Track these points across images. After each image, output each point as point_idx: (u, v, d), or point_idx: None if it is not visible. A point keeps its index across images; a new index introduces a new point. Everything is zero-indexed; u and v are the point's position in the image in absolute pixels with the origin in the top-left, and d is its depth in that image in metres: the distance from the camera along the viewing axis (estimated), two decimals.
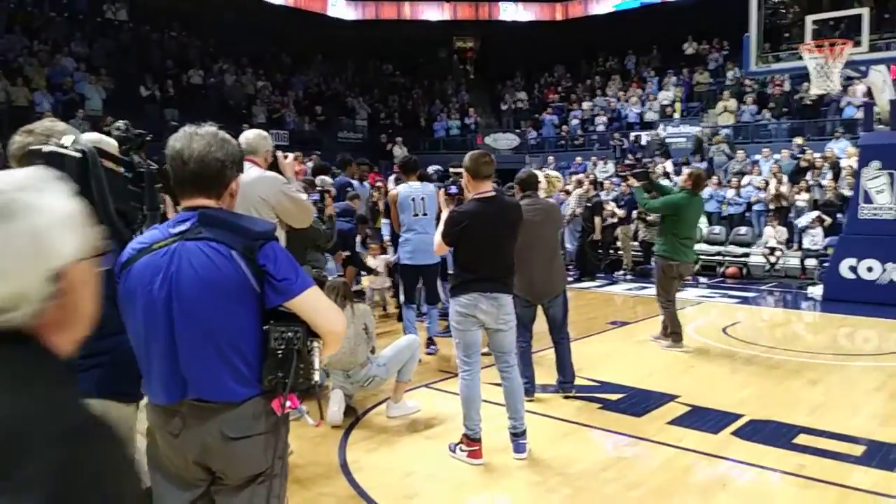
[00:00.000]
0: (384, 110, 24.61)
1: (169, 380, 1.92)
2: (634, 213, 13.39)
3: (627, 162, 9.34)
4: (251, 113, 19.38)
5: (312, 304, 1.94)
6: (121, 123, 2.33)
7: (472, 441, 4.17)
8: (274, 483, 1.93)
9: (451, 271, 6.28)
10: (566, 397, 5.37)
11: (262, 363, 1.90)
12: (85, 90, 16.08)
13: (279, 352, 1.87)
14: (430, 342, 6.86)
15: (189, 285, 1.89)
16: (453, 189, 4.49)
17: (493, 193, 4.21)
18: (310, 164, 15.13)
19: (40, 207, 0.94)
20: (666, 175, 16.38)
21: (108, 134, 2.69)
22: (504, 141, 22.62)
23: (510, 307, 4.23)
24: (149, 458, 2.04)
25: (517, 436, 4.27)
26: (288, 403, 1.90)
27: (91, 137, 2.97)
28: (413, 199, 6.41)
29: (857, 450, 4.33)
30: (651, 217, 13.59)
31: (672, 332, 7.07)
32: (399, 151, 20.68)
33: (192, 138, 1.99)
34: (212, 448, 1.90)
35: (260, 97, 20.73)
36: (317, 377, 1.94)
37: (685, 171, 7.45)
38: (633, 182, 7.33)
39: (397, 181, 7.72)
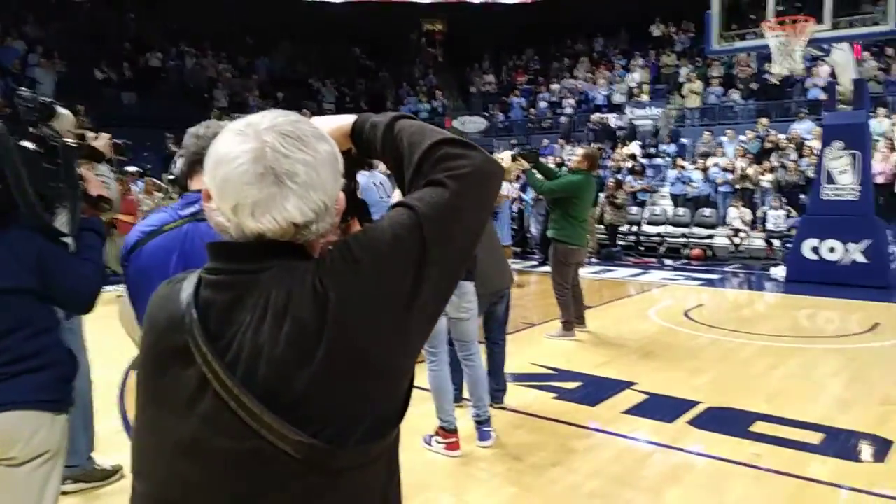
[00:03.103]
0: (350, 94, 24.19)
1: None
2: (602, 196, 13.29)
3: (513, 142, 9.01)
4: (213, 97, 18.91)
5: None
6: (25, 92, 2.06)
7: (448, 433, 4.04)
8: None
9: None
10: (499, 407, 4.74)
11: None
12: (36, 74, 15.49)
13: None
14: None
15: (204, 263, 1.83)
16: None
17: None
18: None
19: (328, 136, 1.06)
20: (633, 157, 16.32)
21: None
22: (472, 124, 22.31)
23: (472, 295, 4.07)
24: None
25: (482, 423, 4.15)
26: None
27: None
28: (374, 184, 6.30)
29: (816, 438, 4.21)
30: (620, 199, 13.55)
31: (565, 320, 6.75)
32: None
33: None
34: None
35: (222, 80, 20.22)
36: None
37: (579, 150, 7.18)
38: (524, 164, 6.77)
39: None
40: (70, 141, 2.20)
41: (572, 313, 6.74)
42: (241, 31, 23.51)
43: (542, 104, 21.64)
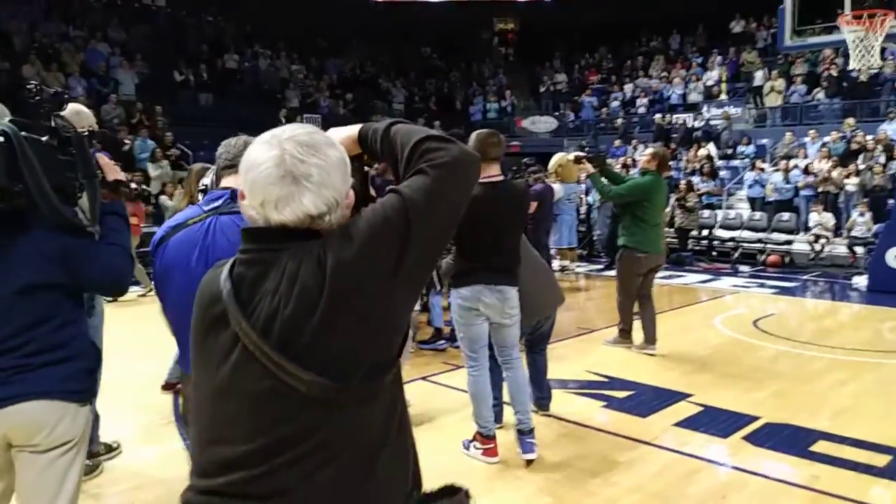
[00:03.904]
0: (420, 94, 24.31)
1: None
2: (673, 198, 12.86)
3: (582, 143, 8.61)
4: (285, 97, 19.32)
5: None
6: (31, 85, 2.10)
7: (486, 439, 3.95)
8: None
9: None
10: (545, 414, 4.62)
11: None
12: (118, 75, 16.19)
13: None
14: (436, 335, 6.39)
15: (224, 256, 2.11)
16: None
17: (501, 178, 3.89)
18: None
19: (338, 143, 1.28)
20: (709, 159, 15.74)
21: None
22: (542, 124, 22.09)
23: (515, 300, 3.93)
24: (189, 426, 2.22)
25: (524, 434, 3.97)
26: None
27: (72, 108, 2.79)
28: None
29: (882, 460, 3.90)
30: (690, 202, 13.08)
31: (622, 328, 6.41)
32: None
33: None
34: None
35: (294, 81, 20.64)
36: None
37: (648, 150, 6.63)
38: (589, 168, 6.41)
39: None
40: (83, 130, 2.20)
41: (631, 321, 6.42)
42: (313, 32, 23.96)
43: (615, 104, 21.17)
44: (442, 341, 6.34)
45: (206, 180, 2.40)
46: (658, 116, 18.53)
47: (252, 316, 1.19)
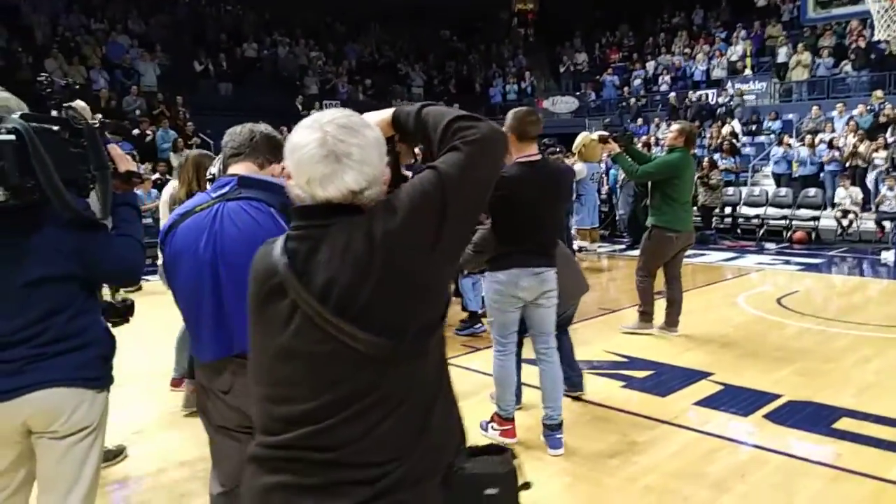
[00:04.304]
0: (439, 77, 24.18)
1: (217, 336, 2.08)
2: (696, 176, 12.70)
3: (605, 121, 8.42)
4: (304, 84, 19.35)
5: None
6: (42, 77, 2.11)
7: (504, 420, 3.95)
8: None
9: None
10: (575, 395, 4.55)
11: None
12: (139, 67, 16.33)
13: None
14: (471, 318, 6.23)
15: (232, 242, 2.04)
16: None
17: (539, 157, 3.78)
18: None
19: (373, 125, 1.39)
20: (734, 136, 15.50)
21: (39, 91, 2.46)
22: (563, 104, 21.85)
23: (554, 282, 3.80)
24: (203, 414, 2.25)
25: (553, 429, 3.84)
26: None
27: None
28: None
29: None
30: (714, 180, 12.90)
31: (643, 310, 6.25)
32: None
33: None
34: None
35: (313, 68, 20.65)
36: None
37: (674, 126, 6.32)
38: (615, 147, 6.23)
39: None
40: (94, 122, 2.22)
41: (652, 302, 6.27)
42: (331, 18, 23.90)
43: (637, 82, 20.87)
44: (479, 324, 6.15)
45: (214, 169, 2.42)
46: (672, 96, 18.27)
47: (310, 285, 1.29)
